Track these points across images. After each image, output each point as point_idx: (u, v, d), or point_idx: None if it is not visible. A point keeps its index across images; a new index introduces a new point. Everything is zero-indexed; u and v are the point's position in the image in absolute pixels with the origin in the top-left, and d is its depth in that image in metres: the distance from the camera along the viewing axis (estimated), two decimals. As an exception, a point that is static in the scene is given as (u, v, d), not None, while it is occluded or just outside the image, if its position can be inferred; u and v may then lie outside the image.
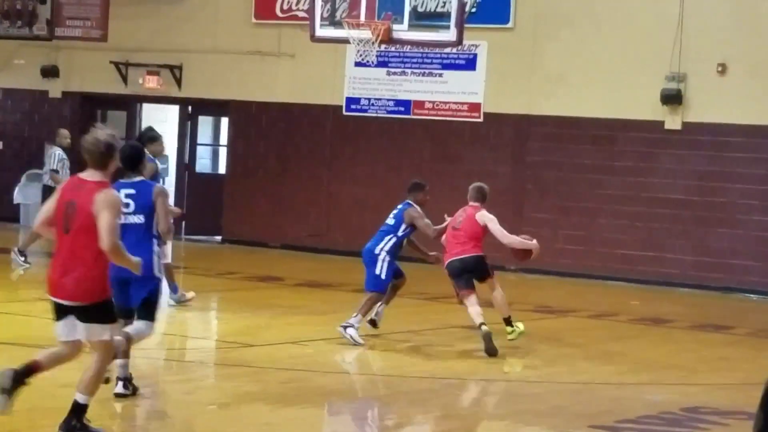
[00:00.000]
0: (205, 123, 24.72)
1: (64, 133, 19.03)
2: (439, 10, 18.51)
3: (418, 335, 13.77)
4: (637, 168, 19.74)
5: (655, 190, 19.66)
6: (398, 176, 19.91)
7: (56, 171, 18.34)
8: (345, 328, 12.70)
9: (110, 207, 7.94)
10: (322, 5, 16.11)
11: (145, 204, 9.61)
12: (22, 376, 8.18)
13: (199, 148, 24.43)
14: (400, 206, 13.22)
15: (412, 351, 13.17)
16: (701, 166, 19.43)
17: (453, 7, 15.42)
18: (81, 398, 8.16)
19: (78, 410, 8.15)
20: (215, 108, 23.83)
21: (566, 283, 19.23)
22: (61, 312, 8.14)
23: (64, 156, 18.43)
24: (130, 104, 24.44)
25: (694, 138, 19.45)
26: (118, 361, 9.37)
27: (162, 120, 25.71)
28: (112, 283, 8.39)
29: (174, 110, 24.52)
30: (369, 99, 21.76)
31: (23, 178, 24.27)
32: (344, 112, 21.87)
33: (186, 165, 24.08)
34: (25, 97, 24.79)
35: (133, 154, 9.77)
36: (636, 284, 19.12)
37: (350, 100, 21.85)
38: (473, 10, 18.37)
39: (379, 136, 21.43)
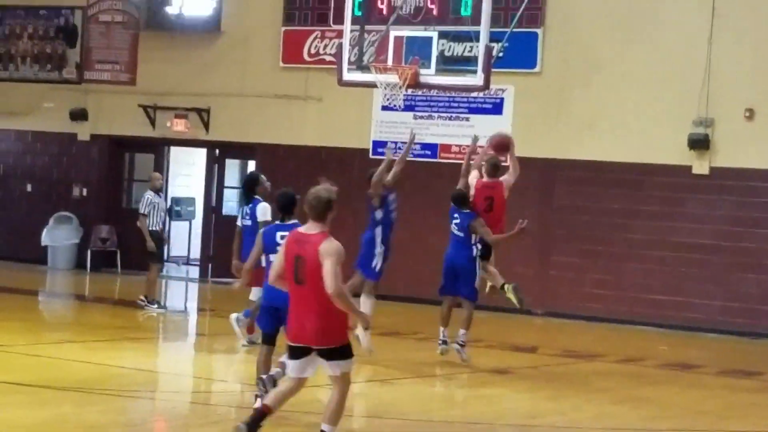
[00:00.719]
0: (232, 166, 24.79)
1: (156, 176, 19.10)
2: (466, 54, 18.56)
3: (445, 378, 13.70)
4: (665, 213, 19.67)
5: (683, 234, 19.58)
6: (425, 219, 19.91)
7: (145, 215, 18.25)
8: (462, 346, 13.86)
9: (334, 255, 8.76)
10: (349, 49, 16.17)
11: None
12: (255, 424, 8.99)
13: (226, 191, 24.50)
14: (459, 216, 13.92)
15: (440, 394, 13.12)
16: (729, 211, 19.35)
17: (480, 52, 15.43)
18: (328, 429, 8.98)
19: None
20: (242, 151, 23.91)
21: (593, 328, 19.14)
22: (298, 353, 8.90)
23: (155, 200, 18.34)
24: (158, 147, 24.54)
25: (721, 183, 19.39)
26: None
27: (189, 163, 25.85)
28: (263, 310, 10.00)
29: (201, 153, 24.61)
30: (396, 143, 21.77)
31: (51, 221, 24.38)
32: (371, 156, 21.90)
33: (213, 208, 24.14)
34: (54, 140, 24.94)
35: (287, 201, 11.45)
36: (663, 329, 19.02)
37: (377, 144, 21.89)
38: (500, 54, 18.36)
39: (405, 179, 21.35)
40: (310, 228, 8.94)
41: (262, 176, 15.70)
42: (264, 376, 10.59)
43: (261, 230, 11.89)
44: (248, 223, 15.09)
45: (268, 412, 9.02)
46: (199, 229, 24.61)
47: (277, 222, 11.34)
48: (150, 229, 18.30)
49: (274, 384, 10.35)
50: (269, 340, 10.93)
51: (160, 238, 18.60)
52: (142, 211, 18.34)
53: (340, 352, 8.91)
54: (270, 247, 10.99)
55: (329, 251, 8.73)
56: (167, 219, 18.98)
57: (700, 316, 19.33)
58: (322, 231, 8.93)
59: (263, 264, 11.27)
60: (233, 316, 15.00)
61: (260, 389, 10.52)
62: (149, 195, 18.43)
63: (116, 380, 12.46)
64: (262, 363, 10.92)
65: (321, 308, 8.68)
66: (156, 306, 18.22)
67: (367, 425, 11.21)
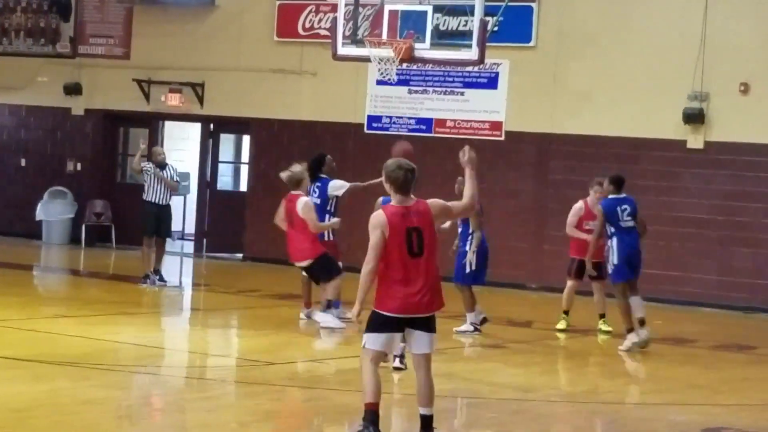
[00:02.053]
0: (226, 141, 24.77)
1: (157, 150, 19.06)
2: (461, 28, 18.55)
3: (440, 354, 13.73)
4: (660, 187, 19.68)
5: (678, 209, 19.60)
6: (419, 194, 19.86)
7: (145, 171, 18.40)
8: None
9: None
10: (344, 24, 16.15)
11: None
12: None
13: (220, 166, 24.48)
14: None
15: (435, 368, 13.13)
16: (724, 186, 19.37)
17: (475, 26, 15.42)
18: (427, 411, 8.89)
19: (429, 422, 8.90)
20: (237, 126, 23.88)
21: (588, 303, 19.15)
22: (395, 326, 8.75)
23: (153, 171, 18.31)
24: (152, 122, 24.50)
25: (716, 157, 19.40)
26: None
27: (184, 137, 25.81)
28: None
29: (196, 128, 24.58)
30: (390, 117, 21.77)
31: (45, 195, 24.36)
32: (366, 130, 21.89)
33: (207, 182, 24.12)
34: (48, 115, 24.90)
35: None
36: (659, 303, 19.02)
37: (372, 119, 21.88)
38: (495, 28, 18.34)
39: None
40: (406, 201, 9.04)
41: (329, 156, 15.76)
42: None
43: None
44: (317, 201, 15.11)
45: (377, 409, 8.87)
46: (194, 204, 24.59)
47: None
48: (148, 200, 18.35)
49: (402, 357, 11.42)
50: None
51: (156, 213, 18.43)
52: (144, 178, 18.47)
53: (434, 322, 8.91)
54: None
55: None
56: (168, 195, 18.57)
57: (695, 290, 19.37)
58: (419, 199, 9.10)
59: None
60: (319, 315, 14.74)
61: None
62: (148, 166, 18.48)
63: (111, 355, 12.48)
64: None
65: (437, 275, 8.81)
66: (150, 281, 18.09)
67: (360, 399, 11.22)
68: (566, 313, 15.80)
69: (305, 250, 14.65)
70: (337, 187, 15.36)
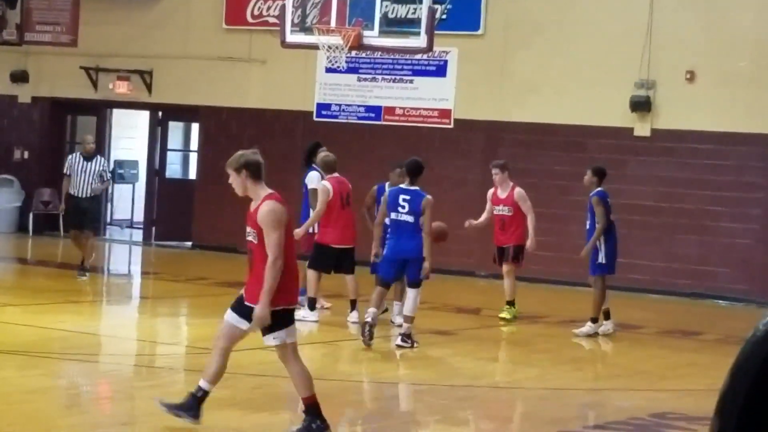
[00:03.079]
0: (175, 128, 24.67)
1: (85, 139, 18.09)
2: (409, 16, 18.52)
3: (388, 340, 13.76)
4: (607, 175, 19.75)
5: (625, 196, 19.70)
6: (368, 182, 19.86)
7: (68, 176, 17.51)
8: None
9: None
10: (292, 11, 16.11)
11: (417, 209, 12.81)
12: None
13: (169, 154, 24.38)
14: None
15: (382, 355, 13.17)
16: (670, 173, 19.52)
17: (423, 14, 15.45)
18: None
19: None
20: (186, 113, 23.78)
21: (536, 290, 19.27)
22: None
23: (81, 163, 17.44)
24: (100, 109, 24.36)
25: (662, 145, 19.54)
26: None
27: (132, 125, 25.69)
28: (387, 261, 12.61)
29: (144, 116, 24.47)
30: (340, 105, 21.76)
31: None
32: (315, 118, 21.87)
33: (156, 170, 24.02)
34: (-5, 102, 24.67)
35: (417, 168, 13.03)
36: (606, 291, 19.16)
37: (321, 106, 21.86)
38: (443, 16, 18.40)
39: (349, 142, 21.41)
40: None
41: (322, 147, 15.36)
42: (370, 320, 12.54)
43: (386, 191, 13.32)
44: (303, 190, 15.05)
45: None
46: (143, 192, 24.49)
47: (401, 186, 13.10)
48: (70, 192, 17.43)
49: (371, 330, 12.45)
50: (386, 285, 13.03)
51: (75, 206, 17.46)
52: (64, 171, 17.65)
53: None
54: (393, 206, 12.90)
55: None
56: (101, 184, 17.65)
57: (641, 276, 19.51)
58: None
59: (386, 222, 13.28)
60: (354, 316, 14.55)
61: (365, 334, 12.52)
62: (71, 158, 17.71)
63: (58, 343, 12.42)
64: (377, 301, 12.81)
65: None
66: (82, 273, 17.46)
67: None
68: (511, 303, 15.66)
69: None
70: (311, 179, 15.13)
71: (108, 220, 25.08)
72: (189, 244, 23.11)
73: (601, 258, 14.74)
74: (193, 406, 8.70)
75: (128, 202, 25.63)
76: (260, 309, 8.37)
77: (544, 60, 20.23)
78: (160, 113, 23.99)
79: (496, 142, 20.62)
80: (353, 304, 14.61)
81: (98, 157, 17.85)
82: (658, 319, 17.02)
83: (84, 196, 17.44)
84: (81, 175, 17.44)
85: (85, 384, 10.61)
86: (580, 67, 19.96)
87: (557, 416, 10.24)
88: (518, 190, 15.30)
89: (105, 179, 17.74)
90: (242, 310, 8.57)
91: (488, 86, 20.64)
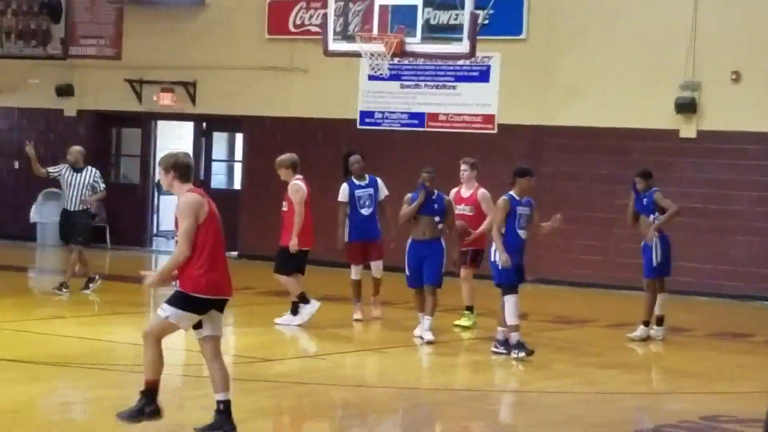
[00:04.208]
0: (219, 139, 24.78)
1: (72, 150, 17.61)
2: (451, 22, 18.51)
3: (434, 346, 13.76)
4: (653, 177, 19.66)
5: (672, 199, 19.44)
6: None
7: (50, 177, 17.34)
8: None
9: None
10: (335, 19, 16.15)
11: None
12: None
13: (214, 164, 24.49)
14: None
15: (430, 363, 13.17)
16: (717, 174, 19.39)
17: (465, 20, 15.44)
18: (225, 396, 8.82)
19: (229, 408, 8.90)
20: (230, 124, 23.88)
21: (583, 294, 19.20)
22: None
23: (64, 173, 17.16)
24: (144, 121, 24.50)
25: (709, 146, 19.42)
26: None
27: (177, 137, 25.79)
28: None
29: (189, 127, 24.58)
30: (383, 112, 21.78)
31: (39, 197, 24.33)
32: (358, 126, 21.90)
33: (201, 181, 24.10)
34: (41, 117, 24.87)
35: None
36: (653, 294, 19.08)
37: (364, 114, 21.89)
38: (486, 22, 18.36)
39: (393, 149, 21.44)
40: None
41: (353, 156, 15.53)
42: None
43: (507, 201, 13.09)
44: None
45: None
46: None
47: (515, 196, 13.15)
48: (65, 208, 17.10)
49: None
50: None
51: (64, 219, 17.20)
52: (49, 172, 17.26)
53: None
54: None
55: None
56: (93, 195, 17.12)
57: (688, 279, 19.37)
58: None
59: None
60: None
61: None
62: (61, 168, 17.28)
63: (107, 355, 12.49)
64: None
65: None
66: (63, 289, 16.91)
67: (356, 394, 11.26)
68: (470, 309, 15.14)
69: None
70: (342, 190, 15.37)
71: (154, 231, 25.21)
72: (235, 253, 23.17)
73: (655, 260, 14.65)
74: (223, 421, 8.76)
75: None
76: (152, 275, 8.78)
77: (588, 63, 20.16)
78: (204, 124, 24.10)
79: (540, 146, 20.57)
80: (298, 304, 14.70)
81: (89, 168, 17.30)
82: (707, 322, 16.91)
83: (73, 209, 17.03)
84: (70, 187, 17.06)
85: (134, 395, 10.66)
86: (624, 70, 19.88)
87: (606, 421, 10.20)
88: (482, 191, 15.04)
89: (98, 190, 17.21)
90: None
91: (531, 91, 20.59)
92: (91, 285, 17.19)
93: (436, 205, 13.87)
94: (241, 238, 23.11)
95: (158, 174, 9.01)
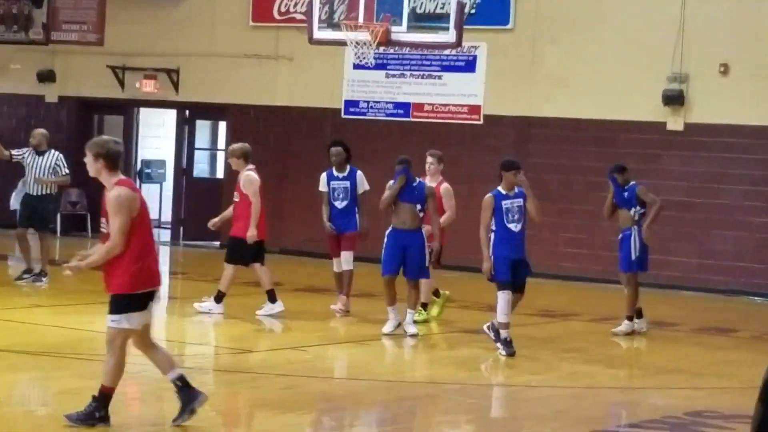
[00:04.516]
0: (202, 127, 24.71)
1: (34, 132, 17.28)
2: (438, 11, 18.48)
3: (418, 340, 13.74)
4: (639, 170, 19.60)
5: (658, 192, 19.50)
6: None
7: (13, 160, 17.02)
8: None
9: None
10: (320, 7, 16.10)
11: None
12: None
13: (196, 153, 24.41)
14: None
15: (413, 355, 13.16)
16: (704, 168, 19.41)
17: (452, 9, 15.41)
18: (177, 373, 8.87)
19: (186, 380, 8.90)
20: (213, 112, 23.82)
21: (568, 287, 19.21)
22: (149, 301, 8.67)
23: (27, 157, 16.91)
24: (127, 109, 24.43)
25: (696, 139, 19.44)
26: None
27: (159, 124, 25.74)
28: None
29: (171, 114, 24.51)
30: (368, 102, 21.75)
31: (19, 184, 24.15)
32: (343, 115, 21.86)
33: (183, 170, 24.05)
34: (22, 103, 24.78)
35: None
36: (639, 288, 19.09)
37: (349, 103, 21.85)
38: (472, 11, 18.35)
39: (378, 139, 21.42)
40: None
41: (333, 148, 15.31)
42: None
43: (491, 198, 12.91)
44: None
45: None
46: (170, 191, 24.53)
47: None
48: (27, 192, 16.91)
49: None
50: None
51: (27, 204, 17.00)
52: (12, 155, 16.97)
53: None
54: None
55: None
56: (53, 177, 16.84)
57: (675, 273, 19.41)
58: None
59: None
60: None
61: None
62: (24, 151, 17.03)
63: (88, 344, 12.43)
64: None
65: None
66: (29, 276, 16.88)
67: (338, 386, 11.24)
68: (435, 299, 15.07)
69: None
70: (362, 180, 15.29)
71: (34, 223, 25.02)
72: (217, 243, 23.10)
73: (633, 254, 14.66)
74: (188, 394, 8.69)
75: (156, 201, 25.64)
76: (77, 264, 8.62)
77: (575, 54, 20.15)
78: (187, 112, 24.03)
79: (526, 137, 20.56)
80: (273, 295, 14.70)
81: (51, 151, 17.03)
82: (693, 316, 16.93)
83: (36, 193, 16.84)
84: (31, 171, 16.83)
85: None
86: (611, 61, 19.87)
87: (591, 415, 10.20)
88: (446, 185, 14.81)
89: (60, 174, 16.94)
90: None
91: (518, 81, 20.58)
92: (33, 278, 16.75)
93: (416, 192, 13.75)
94: (223, 228, 23.01)
95: (86, 159, 8.66)
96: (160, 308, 16.55)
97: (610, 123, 19.90)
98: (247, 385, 10.69)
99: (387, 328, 13.62)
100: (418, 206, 13.70)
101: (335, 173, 15.17)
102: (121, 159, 8.69)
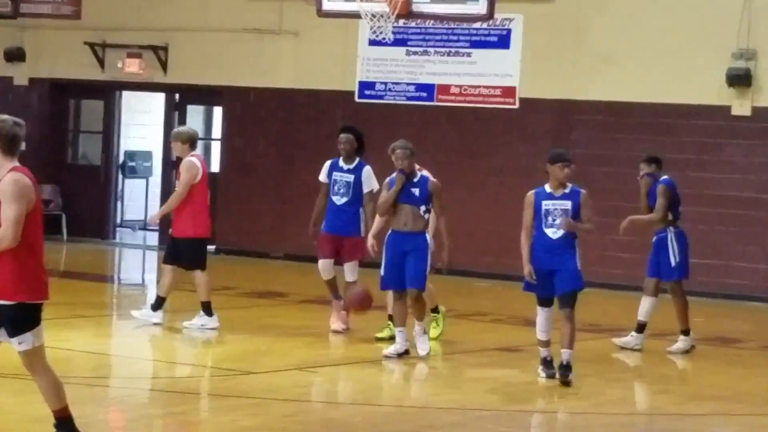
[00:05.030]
0: (194, 113, 24.79)
1: None
2: (466, -22, 18.55)
3: (444, 359, 13.79)
4: (699, 161, 19.72)
5: (721, 187, 19.64)
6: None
7: None
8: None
9: None
10: (330, -26, 16.18)
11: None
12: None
13: (188, 143, 24.46)
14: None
15: (438, 378, 13.21)
16: (774, 159, 19.44)
17: (483, -25, 15.46)
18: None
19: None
20: (206, 96, 23.90)
21: (617, 297, 19.22)
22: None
23: None
24: (107, 92, 24.52)
25: (765, 125, 19.44)
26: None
27: (145, 110, 25.85)
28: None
29: (159, 99, 24.61)
30: (386, 83, 21.80)
31: None
32: (357, 99, 21.92)
33: (173, 163, 24.11)
34: (-14, 85, 24.90)
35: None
36: (698, 298, 19.06)
37: (364, 85, 21.91)
38: (506, -22, 18.39)
39: (397, 126, 21.43)
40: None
41: (343, 134, 15.17)
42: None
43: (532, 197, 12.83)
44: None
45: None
46: (158, 188, 24.62)
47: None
48: None
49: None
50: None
51: None
52: None
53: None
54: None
55: None
56: None
57: (740, 281, 19.42)
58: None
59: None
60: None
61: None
62: None
63: (62, 365, 12.45)
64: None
65: None
66: None
67: (352, 413, 11.30)
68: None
69: None
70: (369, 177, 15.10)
71: (118, 221, 25.24)
72: (212, 248, 23.20)
73: (674, 260, 14.66)
74: None
75: (141, 199, 25.80)
76: None
77: (625, 27, 20.16)
78: (177, 96, 24.12)
79: (568, 124, 20.60)
80: (209, 308, 14.74)
81: None
82: (761, 332, 16.94)
83: None
84: None
85: (94, 413, 10.71)
86: (667, 36, 19.88)
87: (643, 446, 10.24)
88: (431, 180, 13.92)
89: None
90: None
91: (559, 59, 20.60)
92: None
93: (417, 190, 13.39)
94: (219, 230, 23.11)
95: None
96: (146, 323, 16.64)
97: (665, 107, 19.92)
98: (246, 411, 10.76)
99: (389, 350, 13.43)
100: (422, 207, 13.39)
101: (341, 163, 15.02)
102: (19, 143, 8.63)
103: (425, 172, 13.69)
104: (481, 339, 15.03)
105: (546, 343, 12.79)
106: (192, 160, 14.79)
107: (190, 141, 14.86)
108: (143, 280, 21.58)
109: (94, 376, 12.16)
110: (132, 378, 12.47)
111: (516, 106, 20.99)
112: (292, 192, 21.97)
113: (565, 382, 12.40)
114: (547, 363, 12.73)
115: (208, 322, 14.70)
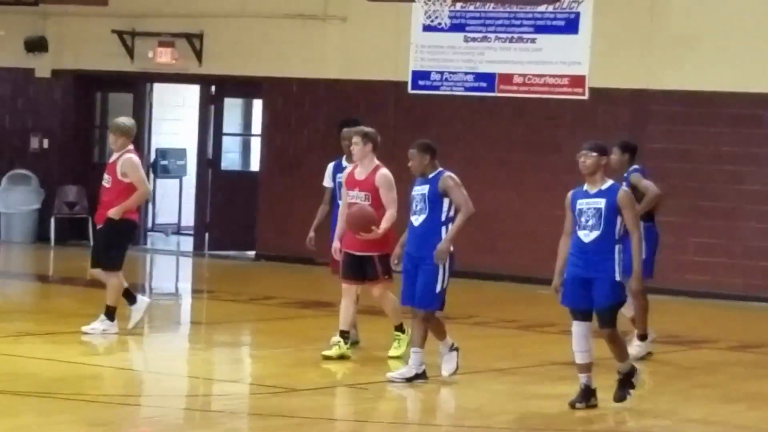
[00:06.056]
0: (232, 107, 24.87)
1: None
2: (530, -43, 18.57)
3: (509, 372, 13.78)
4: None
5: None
6: (477, 170, 19.92)
7: None
8: None
9: None
10: (380, -46, 16.23)
11: None
12: None
13: (225, 140, 24.57)
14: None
15: (501, 393, 13.18)
16: None
17: (548, -46, 15.47)
18: None
19: None
20: (245, 88, 23.97)
21: (699, 306, 19.15)
22: None
23: None
24: (137, 85, 24.62)
25: None
26: None
27: (178, 104, 25.95)
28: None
29: (193, 91, 24.69)
30: (442, 73, 21.81)
31: (4, 181, 24.50)
32: (410, 90, 21.93)
33: (209, 161, 24.22)
34: (6, 78, 25.01)
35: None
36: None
37: (417, 75, 21.92)
38: (574, -44, 18.38)
39: (454, 119, 21.47)
40: None
41: (345, 129, 14.86)
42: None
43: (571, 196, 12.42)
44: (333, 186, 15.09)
45: None
46: (193, 188, 24.69)
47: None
48: None
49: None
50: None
51: None
52: None
53: None
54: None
55: None
56: None
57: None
58: None
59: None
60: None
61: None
62: None
63: (90, 382, 12.59)
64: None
65: None
66: None
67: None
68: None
69: None
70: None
71: (149, 225, 25.33)
72: (252, 254, 23.29)
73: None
74: None
75: (175, 201, 25.87)
76: None
77: (707, 7, 20.09)
78: (212, 88, 24.19)
79: (643, 116, 20.54)
80: (113, 313, 14.87)
81: None
82: None
83: None
84: None
85: (124, 433, 10.78)
86: (755, 17, 19.81)
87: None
88: (383, 171, 13.73)
89: None
90: None
91: (633, 45, 20.55)
92: None
93: (427, 188, 12.84)
94: (259, 234, 23.19)
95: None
96: (180, 336, 16.72)
97: (752, 97, 19.83)
98: (290, 432, 10.80)
99: (395, 373, 13.03)
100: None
101: (344, 163, 14.65)
102: None
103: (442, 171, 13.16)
104: (547, 352, 14.99)
105: (583, 368, 12.05)
106: (134, 156, 14.95)
107: (130, 134, 15.09)
108: (176, 289, 21.64)
109: (125, 394, 12.21)
110: (165, 396, 12.51)
111: (585, 97, 20.94)
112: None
113: (621, 397, 12.07)
114: (583, 392, 12.05)
115: (111, 327, 14.89)
